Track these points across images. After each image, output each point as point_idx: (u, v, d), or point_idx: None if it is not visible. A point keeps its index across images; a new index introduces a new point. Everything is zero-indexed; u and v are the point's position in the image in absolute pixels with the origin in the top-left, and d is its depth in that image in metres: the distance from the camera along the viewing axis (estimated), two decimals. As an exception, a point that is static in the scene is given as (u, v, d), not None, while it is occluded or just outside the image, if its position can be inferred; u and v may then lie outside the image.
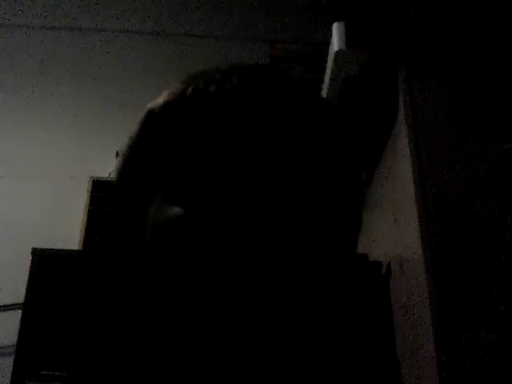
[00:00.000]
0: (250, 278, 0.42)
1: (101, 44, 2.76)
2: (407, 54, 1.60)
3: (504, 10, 1.59)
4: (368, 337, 1.60)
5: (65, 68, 2.69)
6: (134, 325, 1.65)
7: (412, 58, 1.59)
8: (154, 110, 0.50)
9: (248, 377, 0.45)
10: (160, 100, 0.50)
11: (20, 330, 1.72)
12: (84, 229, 2.19)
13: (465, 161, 1.44)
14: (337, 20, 1.68)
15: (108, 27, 2.78)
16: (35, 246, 1.84)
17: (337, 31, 1.64)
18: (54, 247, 1.90)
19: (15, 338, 1.72)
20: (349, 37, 1.63)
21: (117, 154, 2.35)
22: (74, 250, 2.10)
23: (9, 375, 1.67)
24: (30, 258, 1.81)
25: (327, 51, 1.72)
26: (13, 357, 1.70)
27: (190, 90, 0.48)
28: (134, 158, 0.52)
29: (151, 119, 0.50)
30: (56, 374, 1.65)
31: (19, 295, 1.83)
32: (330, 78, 1.69)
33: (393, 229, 1.63)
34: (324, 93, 1.75)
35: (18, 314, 1.80)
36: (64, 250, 1.94)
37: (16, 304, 2.00)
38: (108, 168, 2.35)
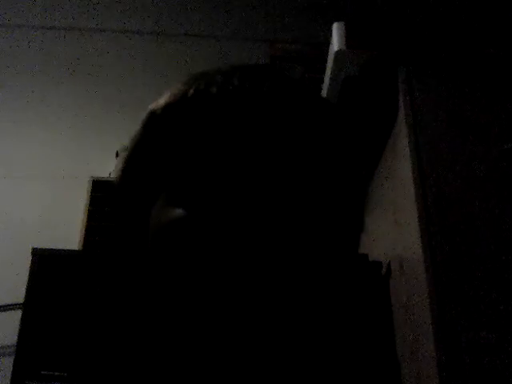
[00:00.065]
0: (252, 278, 0.42)
1: (101, 44, 2.75)
2: (407, 53, 1.60)
3: (504, 9, 1.59)
4: (368, 337, 1.60)
5: (65, 68, 2.69)
6: (134, 325, 1.65)
7: (412, 58, 1.59)
8: (155, 112, 0.50)
9: (248, 377, 0.45)
10: (161, 101, 0.50)
11: (20, 330, 1.72)
12: (84, 229, 2.19)
13: (465, 161, 1.44)
14: (337, 20, 1.68)
15: (108, 27, 2.78)
16: (35, 246, 1.84)
17: (337, 31, 1.64)
18: (54, 247, 1.90)
19: (15, 338, 1.72)
20: (349, 37, 1.63)
21: (117, 154, 2.35)
22: (74, 250, 2.10)
23: (9, 375, 1.67)
24: (30, 258, 1.81)
25: (327, 51, 1.72)
26: (13, 357, 1.70)
27: (191, 91, 0.48)
28: (136, 159, 0.52)
29: (153, 121, 0.50)
30: (56, 373, 1.65)
31: (19, 295, 1.83)
32: (330, 78, 1.69)
33: (393, 229, 1.63)
34: (324, 93, 1.75)
35: (18, 314, 1.80)
36: (64, 250, 1.94)
37: (16, 304, 2.00)
38: (108, 168, 2.35)
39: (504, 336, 1.22)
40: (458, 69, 1.57)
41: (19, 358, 1.68)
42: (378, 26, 1.65)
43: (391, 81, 1.61)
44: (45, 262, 1.80)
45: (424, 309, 1.32)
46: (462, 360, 1.21)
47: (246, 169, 0.45)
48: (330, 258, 0.46)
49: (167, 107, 0.49)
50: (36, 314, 1.73)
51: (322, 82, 1.81)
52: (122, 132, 2.81)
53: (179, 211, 0.45)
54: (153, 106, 0.51)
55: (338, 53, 1.62)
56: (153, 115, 0.51)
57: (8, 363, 1.73)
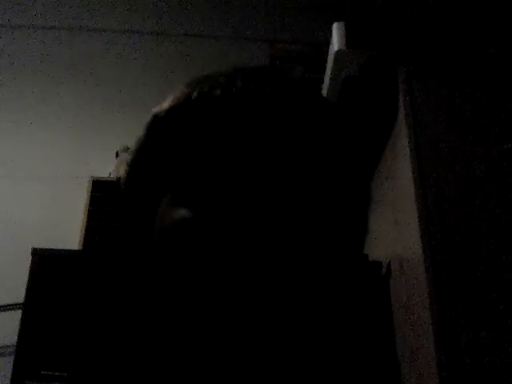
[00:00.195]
0: (254, 279, 0.43)
1: (101, 44, 2.75)
2: (407, 53, 1.60)
3: (504, 9, 1.59)
4: (368, 337, 1.60)
5: (65, 68, 2.69)
6: (134, 325, 1.65)
7: (412, 58, 1.59)
8: (159, 115, 0.51)
9: (249, 377, 0.45)
10: (165, 104, 0.51)
11: (20, 330, 1.72)
12: (84, 229, 2.19)
13: (465, 161, 1.44)
14: (337, 20, 1.68)
15: (108, 27, 2.78)
16: (35, 246, 1.84)
17: (337, 31, 1.64)
18: (54, 247, 1.90)
19: (15, 337, 1.72)
20: (349, 37, 1.63)
21: (117, 154, 2.35)
22: (74, 250, 2.09)
23: (9, 375, 1.67)
24: (30, 258, 1.81)
25: (327, 51, 1.72)
26: (13, 357, 1.70)
27: (194, 94, 0.49)
28: (141, 162, 0.52)
29: (157, 124, 0.51)
30: (56, 374, 1.65)
31: (19, 295, 1.83)
32: (330, 78, 1.69)
33: (393, 229, 1.63)
34: (324, 93, 1.75)
35: (18, 314, 1.81)
36: (64, 250, 1.94)
37: (16, 304, 2.00)
38: (108, 168, 2.35)
39: (504, 336, 1.22)
40: (458, 69, 1.57)
41: (19, 358, 1.68)
42: (378, 26, 1.65)
43: (391, 81, 1.61)
44: (45, 262, 1.80)
45: (424, 309, 1.32)
46: (461, 360, 1.21)
47: (249, 170, 0.45)
48: (331, 259, 0.46)
49: (171, 110, 0.50)
50: (36, 314, 1.73)
51: (322, 82, 1.81)
52: (122, 132, 2.82)
53: (184, 212, 0.46)
54: (156, 109, 0.51)
55: (337, 53, 1.62)
56: (156, 119, 0.51)
57: (8, 363, 1.73)
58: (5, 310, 2.09)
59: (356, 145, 0.52)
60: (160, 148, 0.50)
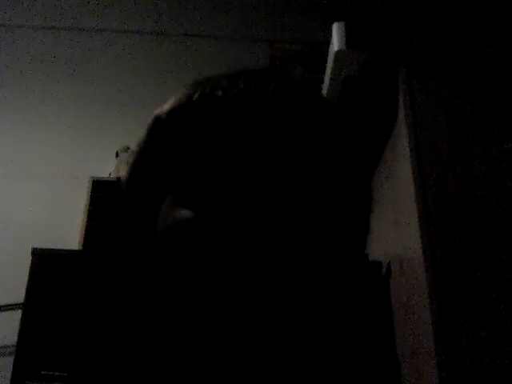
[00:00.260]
0: (255, 279, 0.43)
1: (101, 44, 2.75)
2: (407, 53, 1.60)
3: (504, 9, 1.59)
4: (368, 337, 1.60)
5: (65, 68, 2.69)
6: (134, 325, 1.65)
7: (412, 58, 1.59)
8: (161, 117, 0.51)
9: (249, 377, 0.45)
10: (167, 106, 0.51)
11: (20, 330, 1.72)
12: (84, 229, 2.19)
13: (465, 161, 1.44)
14: (337, 20, 1.68)
15: (108, 27, 2.78)
16: (35, 246, 1.84)
17: (337, 31, 1.64)
18: (54, 247, 1.90)
19: (15, 337, 1.72)
20: (349, 37, 1.63)
21: (117, 154, 2.35)
22: (74, 250, 2.09)
23: (9, 375, 1.67)
24: (30, 258, 1.81)
25: (327, 51, 1.72)
26: (13, 357, 1.70)
27: (196, 95, 0.49)
28: (143, 163, 0.52)
29: (159, 125, 0.51)
30: (56, 374, 1.65)
31: (19, 295, 1.83)
32: (330, 78, 1.69)
33: (393, 229, 1.63)
34: (324, 93, 1.75)
35: (18, 314, 1.81)
36: (64, 250, 1.94)
37: (16, 304, 2.00)
38: (108, 168, 2.35)
39: (504, 336, 1.22)
40: (458, 69, 1.57)
41: (19, 358, 1.68)
42: (378, 26, 1.65)
43: (391, 81, 1.61)
44: (45, 262, 1.81)
45: (424, 309, 1.32)
46: (462, 360, 1.21)
47: (251, 170, 0.45)
48: (331, 259, 0.46)
49: (172, 112, 0.50)
50: (36, 313, 1.73)
51: (322, 82, 1.81)
52: (122, 132, 2.82)
53: (186, 212, 0.46)
54: (158, 111, 0.52)
55: (338, 53, 1.62)
56: (158, 120, 0.51)
57: (8, 363, 1.73)
58: (5, 310, 2.09)
59: (356, 145, 0.52)
60: (162, 149, 0.50)
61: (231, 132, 0.46)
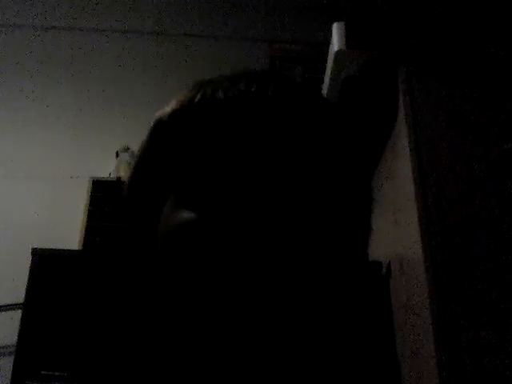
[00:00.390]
0: (257, 280, 0.43)
1: (101, 44, 2.76)
2: (407, 53, 1.60)
3: (504, 9, 1.59)
4: (368, 337, 1.60)
5: (65, 68, 2.69)
6: (134, 325, 1.65)
7: (412, 58, 1.59)
8: (162, 119, 0.51)
9: (250, 377, 0.45)
10: (168, 108, 0.51)
11: (20, 330, 1.72)
12: (84, 229, 2.19)
13: (465, 161, 1.44)
14: (337, 20, 1.68)
15: (108, 27, 2.78)
16: (35, 246, 1.84)
17: (337, 31, 1.64)
18: (54, 247, 1.90)
19: (15, 337, 1.72)
20: (349, 37, 1.63)
21: (117, 154, 2.35)
22: (74, 250, 2.10)
23: (9, 375, 1.67)
24: (30, 258, 1.81)
25: (327, 51, 1.72)
26: (13, 357, 1.71)
27: (197, 97, 0.49)
28: (145, 165, 0.52)
29: (160, 127, 0.51)
30: (56, 374, 1.65)
31: (19, 295, 1.83)
32: (330, 78, 1.69)
33: (393, 229, 1.63)
34: (324, 93, 1.75)
35: (18, 314, 1.81)
36: (64, 250, 1.94)
37: (16, 304, 2.00)
38: (108, 168, 2.35)
39: (504, 336, 1.22)
40: (458, 69, 1.57)
41: (19, 357, 1.68)
42: (378, 26, 1.65)
43: (391, 81, 1.61)
44: (45, 262, 1.81)
45: (424, 309, 1.32)
46: (462, 360, 1.21)
47: (252, 172, 0.45)
48: (331, 259, 0.47)
49: (174, 114, 0.50)
50: (36, 313, 1.73)
51: (322, 82, 1.81)
52: (122, 132, 2.81)
53: (187, 214, 0.46)
54: (159, 113, 0.52)
55: (338, 53, 1.62)
56: (160, 122, 0.51)
57: (8, 363, 1.73)
58: (5, 310, 2.09)
59: (356, 145, 0.52)
60: (164, 151, 0.50)
61: (232, 134, 0.46)
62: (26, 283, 1.77)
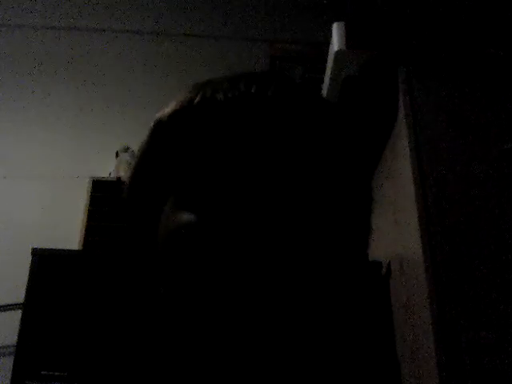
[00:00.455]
0: (257, 281, 0.43)
1: (101, 44, 2.76)
2: (407, 53, 1.60)
3: (504, 9, 1.59)
4: (368, 337, 1.60)
5: (65, 68, 2.69)
6: (134, 325, 1.65)
7: (412, 58, 1.59)
8: (162, 120, 0.51)
9: (250, 377, 0.45)
10: (168, 109, 0.51)
11: (20, 330, 1.72)
12: (84, 229, 2.19)
13: (465, 161, 1.44)
14: (337, 20, 1.68)
15: (108, 27, 2.78)
16: (35, 246, 1.84)
17: (337, 31, 1.64)
18: (54, 247, 1.90)
19: (15, 337, 1.72)
20: (349, 37, 1.63)
21: (117, 154, 2.35)
22: (74, 250, 2.09)
23: (9, 375, 1.67)
24: (30, 258, 1.81)
25: (327, 51, 1.72)
26: (13, 357, 1.70)
27: (197, 98, 0.49)
28: (145, 166, 0.52)
29: (160, 128, 0.51)
30: (56, 373, 1.65)
31: (19, 295, 1.83)
32: (330, 78, 1.69)
33: (393, 229, 1.63)
34: (324, 93, 1.75)
35: (18, 314, 1.80)
36: (64, 250, 1.94)
37: (16, 304, 2.00)
38: (108, 168, 2.35)
39: (504, 336, 1.22)
40: (458, 69, 1.57)
41: (19, 357, 1.68)
42: (378, 26, 1.65)
43: (391, 81, 1.61)
44: (45, 262, 1.80)
45: (424, 309, 1.32)
46: (462, 360, 1.21)
47: (252, 173, 0.45)
48: (331, 259, 0.47)
49: (174, 115, 0.50)
50: (36, 313, 1.73)
51: (322, 81, 1.81)
52: (122, 132, 2.81)
53: (187, 216, 0.46)
54: (159, 114, 0.52)
55: (338, 53, 1.62)
56: (160, 123, 0.51)
57: (8, 363, 1.73)
58: (5, 310, 2.09)
59: (356, 145, 0.52)
60: (163, 152, 0.50)
61: (232, 135, 0.47)
62: (26, 283, 1.77)
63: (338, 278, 0.48)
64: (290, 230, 0.44)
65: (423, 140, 1.47)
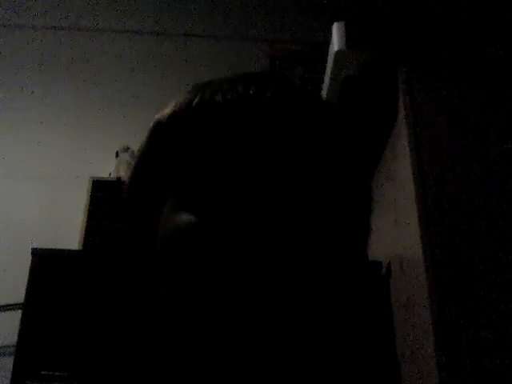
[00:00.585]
0: (257, 281, 0.43)
1: (101, 44, 2.76)
2: (407, 54, 1.60)
3: (504, 9, 1.59)
4: (368, 337, 1.60)
5: (65, 68, 2.69)
6: (134, 325, 1.65)
7: (412, 58, 1.59)
8: (161, 121, 0.51)
9: (250, 377, 0.45)
10: (167, 110, 0.51)
11: (20, 330, 1.72)
12: (84, 229, 2.19)
13: (465, 161, 1.44)
14: (337, 20, 1.68)
15: (108, 27, 2.78)
16: (35, 246, 1.84)
17: (337, 31, 1.64)
18: (54, 247, 1.90)
19: (15, 338, 1.72)
20: (349, 37, 1.63)
21: (117, 154, 2.35)
22: (74, 250, 2.09)
23: (9, 375, 1.67)
24: (30, 258, 1.81)
25: (327, 51, 1.72)
26: (13, 357, 1.70)
27: (196, 99, 0.49)
28: (144, 167, 0.53)
29: (159, 129, 0.51)
30: (56, 374, 1.65)
31: (19, 295, 1.83)
32: (330, 78, 1.69)
33: (393, 229, 1.63)
34: (324, 93, 1.75)
35: (18, 314, 1.81)
36: (64, 250, 1.94)
37: (16, 304, 2.00)
38: (108, 168, 2.35)
39: (504, 336, 1.22)
40: (457, 69, 1.57)
41: (19, 357, 1.68)
42: (378, 26, 1.65)
43: (391, 81, 1.61)
44: (45, 262, 1.81)
45: (424, 309, 1.32)
46: (462, 360, 1.21)
47: (251, 174, 0.45)
48: (331, 259, 0.47)
49: (173, 116, 0.50)
50: (36, 313, 1.73)
51: (322, 82, 1.81)
52: (122, 132, 2.81)
53: (186, 217, 0.46)
54: (159, 115, 0.52)
55: (338, 53, 1.62)
56: (159, 124, 0.51)
57: (8, 363, 1.73)
58: (5, 310, 2.09)
59: (356, 146, 0.52)
60: (163, 153, 0.50)
61: (231, 136, 0.47)
62: (26, 283, 1.77)
63: (338, 278, 0.48)
64: (289, 231, 0.44)
65: (423, 140, 1.47)
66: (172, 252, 0.47)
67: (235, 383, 0.45)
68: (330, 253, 0.46)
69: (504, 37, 1.57)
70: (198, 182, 0.47)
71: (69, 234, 2.22)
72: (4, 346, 2.02)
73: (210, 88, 0.50)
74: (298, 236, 0.45)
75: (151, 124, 0.52)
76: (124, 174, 2.23)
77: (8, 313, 2.07)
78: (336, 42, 1.63)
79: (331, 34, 1.66)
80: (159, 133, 0.51)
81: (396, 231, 1.61)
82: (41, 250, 1.84)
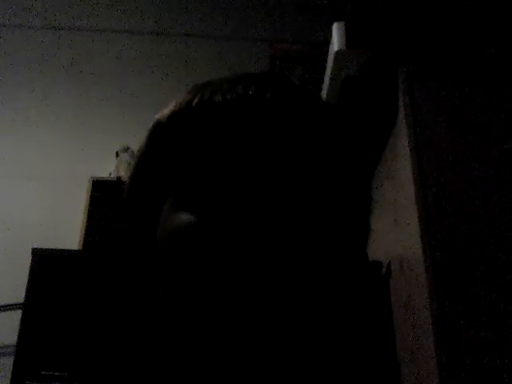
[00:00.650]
0: (256, 281, 0.43)
1: (101, 44, 2.76)
2: (407, 54, 1.60)
3: (504, 9, 1.59)
4: (368, 337, 1.60)
5: (65, 68, 2.69)
6: (134, 325, 1.65)
7: (412, 58, 1.59)
8: (161, 121, 0.51)
9: (250, 377, 0.45)
10: (167, 110, 0.51)
11: (20, 330, 1.72)
12: (84, 229, 2.19)
13: (465, 161, 1.44)
14: (337, 20, 1.68)
15: (108, 27, 2.78)
16: (35, 246, 1.84)
17: (337, 31, 1.64)
18: (54, 247, 1.90)
19: (15, 338, 1.72)
20: (349, 37, 1.63)
21: (117, 154, 2.35)
22: (74, 250, 2.10)
23: (9, 375, 1.67)
24: (30, 258, 1.81)
25: (327, 51, 1.72)
26: (13, 357, 1.71)
27: (196, 100, 0.49)
28: (144, 167, 0.53)
29: (159, 130, 0.51)
30: (56, 374, 1.65)
31: (19, 295, 1.83)
32: (330, 78, 1.69)
33: (393, 229, 1.63)
34: (324, 93, 1.75)
35: (18, 314, 1.81)
36: (64, 250, 1.95)
37: (16, 304, 2.00)
38: (108, 168, 2.35)
39: (504, 336, 1.22)
40: (457, 69, 1.57)
41: (19, 357, 1.68)
42: (378, 26, 1.65)
43: (391, 81, 1.61)
44: (45, 262, 1.81)
45: (424, 309, 1.32)
46: (462, 360, 1.21)
47: (250, 174, 0.45)
48: (331, 259, 0.47)
49: (172, 116, 0.50)
50: (36, 313, 1.73)
51: (322, 82, 1.81)
52: (122, 132, 2.82)
53: (186, 216, 0.46)
54: (158, 115, 0.52)
55: (338, 53, 1.62)
56: (158, 124, 0.51)
57: (8, 363, 1.73)
58: (5, 310, 2.09)
59: (356, 146, 0.52)
60: (162, 153, 0.50)
61: (230, 136, 0.47)
62: (26, 283, 1.77)
63: (338, 278, 0.48)
64: (289, 231, 0.44)
65: (423, 140, 1.47)
66: (171, 252, 0.47)
67: (234, 382, 0.45)
68: (329, 253, 0.46)
69: (504, 37, 1.57)
70: (198, 182, 0.47)
71: (69, 234, 2.22)
72: (4, 346, 2.03)
73: (210, 88, 0.50)
74: (298, 236, 0.45)
75: (151, 124, 0.52)
76: (124, 174, 2.23)
77: (8, 313, 2.07)
78: (336, 42, 1.63)
79: (331, 34, 1.66)
80: (159, 133, 0.51)
81: (396, 231, 1.61)
82: (41, 250, 1.84)
